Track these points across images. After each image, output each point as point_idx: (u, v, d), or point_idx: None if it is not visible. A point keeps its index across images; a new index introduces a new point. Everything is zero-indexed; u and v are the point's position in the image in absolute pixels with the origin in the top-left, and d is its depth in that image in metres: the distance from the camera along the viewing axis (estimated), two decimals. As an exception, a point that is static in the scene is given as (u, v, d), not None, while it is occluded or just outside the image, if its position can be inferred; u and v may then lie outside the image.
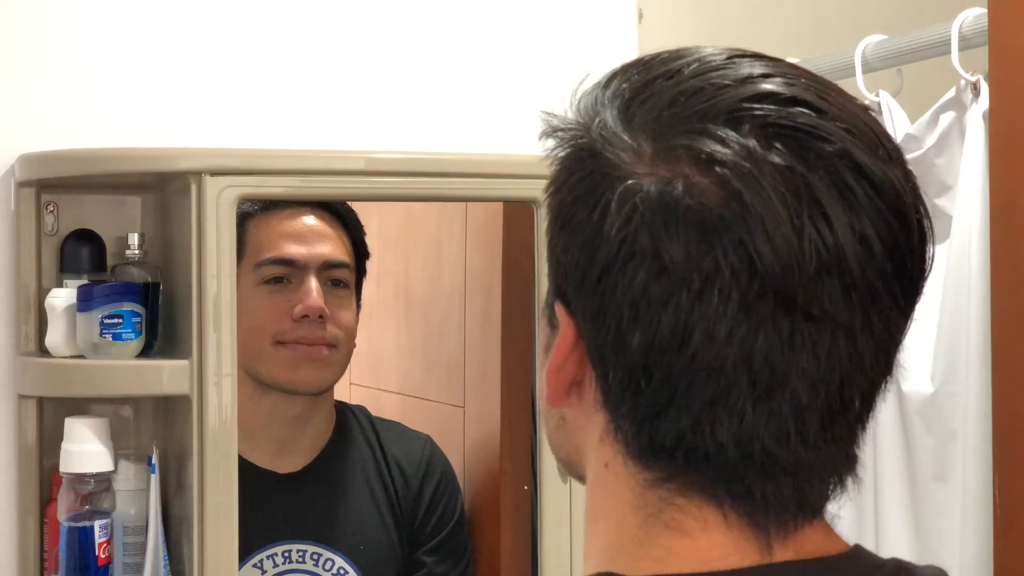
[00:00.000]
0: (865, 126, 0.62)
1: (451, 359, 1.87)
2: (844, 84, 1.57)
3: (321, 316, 1.62)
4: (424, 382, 1.97)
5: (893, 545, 1.46)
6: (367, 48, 1.66)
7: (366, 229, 1.73)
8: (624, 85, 0.65)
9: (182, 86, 1.58)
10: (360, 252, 1.71)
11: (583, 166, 0.64)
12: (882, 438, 1.48)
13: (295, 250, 1.63)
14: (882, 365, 0.63)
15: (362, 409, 1.77)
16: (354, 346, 1.69)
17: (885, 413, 1.48)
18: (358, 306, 1.71)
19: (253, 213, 1.65)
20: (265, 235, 1.64)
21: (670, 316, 0.60)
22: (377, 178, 1.48)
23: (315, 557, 1.63)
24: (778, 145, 0.60)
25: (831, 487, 0.64)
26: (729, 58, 0.64)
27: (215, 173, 1.37)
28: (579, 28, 1.76)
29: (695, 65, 0.64)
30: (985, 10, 1.35)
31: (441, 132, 1.67)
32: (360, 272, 1.72)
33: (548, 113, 0.68)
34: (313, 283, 1.62)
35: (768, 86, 0.62)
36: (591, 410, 0.65)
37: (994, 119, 1.29)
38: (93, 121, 1.54)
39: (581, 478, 0.70)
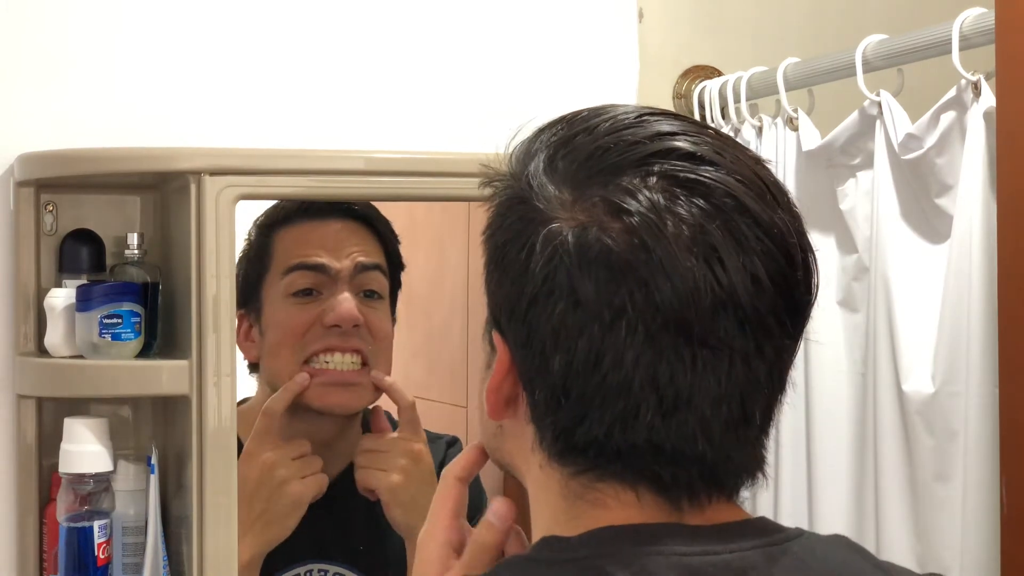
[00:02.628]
0: (756, 176, 0.71)
1: (454, 359, 1.87)
2: (844, 84, 1.58)
3: (356, 325, 1.54)
4: (427, 382, 1.97)
5: (893, 545, 1.45)
6: (367, 48, 1.66)
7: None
8: (552, 139, 0.74)
9: (182, 86, 1.58)
10: (394, 262, 1.64)
11: (514, 211, 0.73)
12: (882, 438, 1.48)
13: (325, 255, 1.56)
14: (776, 384, 0.72)
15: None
16: (391, 359, 1.60)
17: (886, 413, 1.47)
18: (393, 319, 1.64)
19: (280, 223, 1.59)
20: (292, 243, 1.57)
21: (584, 344, 0.69)
22: (377, 178, 1.48)
23: None
24: (680, 197, 0.69)
25: (743, 480, 0.74)
26: (640, 117, 0.73)
27: (215, 173, 1.37)
28: (579, 28, 1.76)
29: (609, 123, 0.73)
30: (986, 10, 1.35)
31: (441, 132, 1.67)
32: (395, 284, 1.64)
33: (485, 165, 0.77)
34: (346, 292, 1.55)
35: (673, 143, 0.71)
36: (524, 423, 0.75)
37: (1001, 117, 1.28)
38: (92, 121, 1.54)
39: (518, 478, 0.80)
